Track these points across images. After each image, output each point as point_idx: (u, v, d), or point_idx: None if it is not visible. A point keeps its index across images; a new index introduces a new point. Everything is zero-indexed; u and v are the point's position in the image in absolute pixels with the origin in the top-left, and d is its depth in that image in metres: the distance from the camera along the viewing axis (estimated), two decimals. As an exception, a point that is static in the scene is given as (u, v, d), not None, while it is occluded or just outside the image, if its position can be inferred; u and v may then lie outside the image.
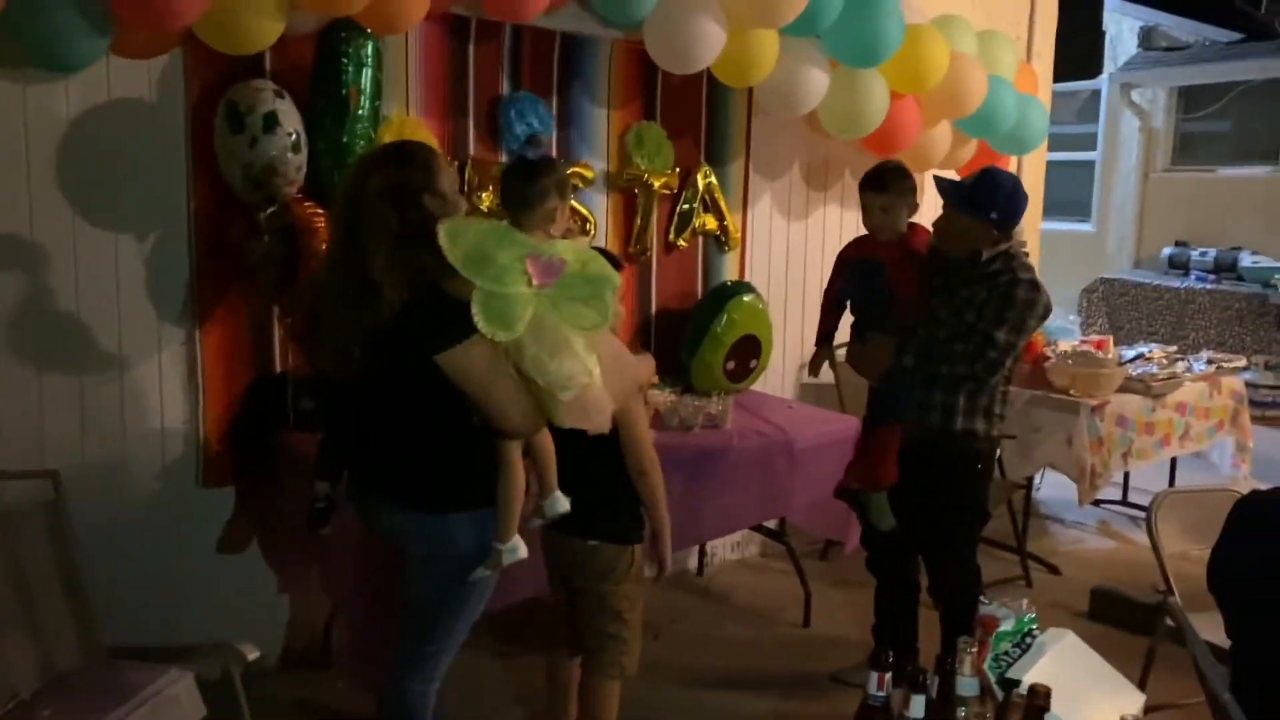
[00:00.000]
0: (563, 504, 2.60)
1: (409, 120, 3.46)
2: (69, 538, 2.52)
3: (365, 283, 2.22)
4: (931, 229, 3.24)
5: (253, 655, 2.40)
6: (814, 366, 3.74)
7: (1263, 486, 2.28)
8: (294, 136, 2.99)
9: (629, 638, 2.80)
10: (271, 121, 2.94)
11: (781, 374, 4.70)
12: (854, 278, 3.53)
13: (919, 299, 3.25)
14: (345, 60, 3.07)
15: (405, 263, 2.24)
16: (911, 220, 3.40)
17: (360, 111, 3.13)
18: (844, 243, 4.78)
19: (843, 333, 3.68)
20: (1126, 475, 5.51)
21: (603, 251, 2.69)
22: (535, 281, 2.23)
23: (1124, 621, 3.87)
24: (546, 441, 2.55)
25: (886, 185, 3.31)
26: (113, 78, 3.01)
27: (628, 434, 2.64)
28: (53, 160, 2.98)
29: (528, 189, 2.50)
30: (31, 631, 2.38)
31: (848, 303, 3.63)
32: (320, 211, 3.09)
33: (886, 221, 3.34)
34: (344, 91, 3.08)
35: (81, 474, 3.04)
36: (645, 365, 2.86)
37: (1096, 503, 5.29)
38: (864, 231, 3.51)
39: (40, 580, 2.43)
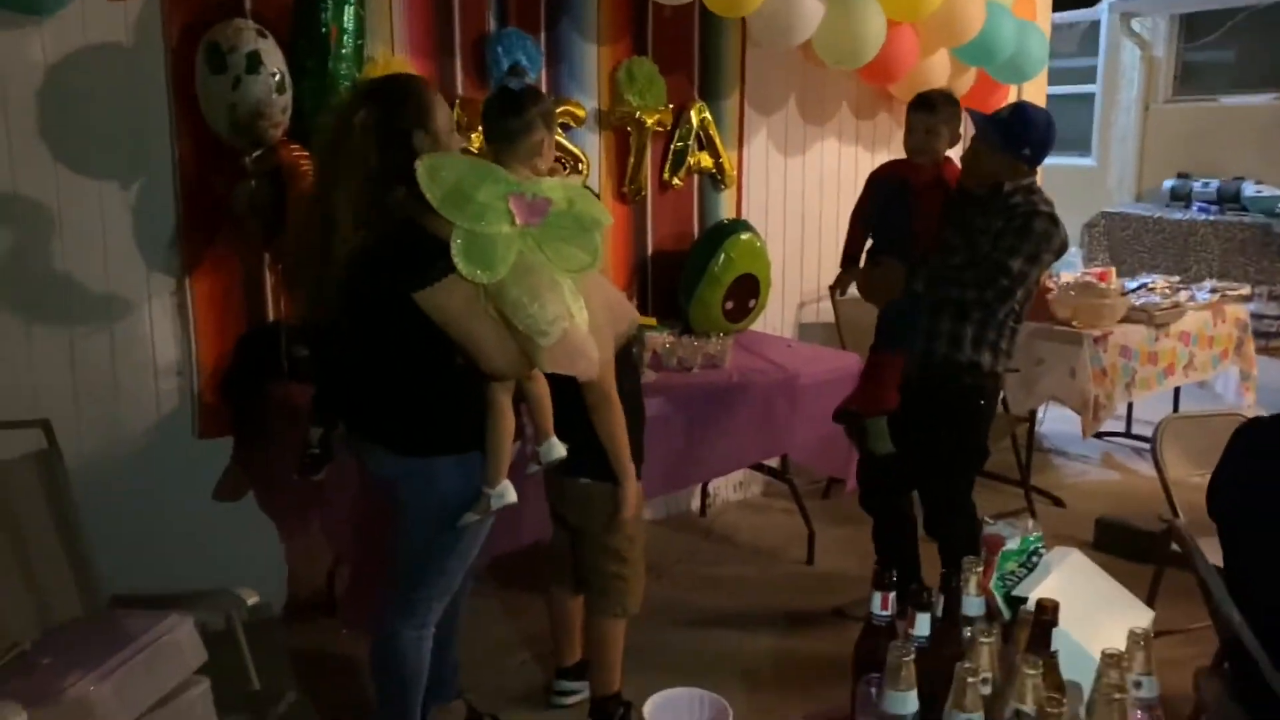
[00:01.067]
0: (559, 449, 2.55)
1: (394, 59, 3.37)
2: (64, 487, 2.49)
3: (326, 220, 2.17)
4: (960, 162, 3.22)
5: (253, 600, 2.38)
6: (841, 286, 3.70)
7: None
8: (278, 77, 2.93)
9: (630, 576, 2.78)
10: (254, 61, 2.87)
11: (781, 313, 4.65)
12: (880, 197, 3.52)
13: (938, 229, 3.21)
14: (325, -2, 2.99)
15: (374, 201, 2.18)
16: (948, 156, 3.39)
17: (343, 50, 3.05)
18: (842, 178, 4.75)
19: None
20: (1130, 407, 5.49)
21: None
22: (519, 220, 2.17)
23: (1129, 551, 3.86)
24: (541, 386, 2.51)
25: (935, 107, 3.33)
26: (88, 20, 2.94)
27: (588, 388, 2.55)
28: (31, 108, 2.92)
29: (511, 121, 2.41)
30: (29, 581, 2.37)
31: (873, 227, 3.61)
32: (306, 154, 3.02)
33: (928, 144, 3.34)
34: (324, 30, 3.00)
35: (75, 424, 3.02)
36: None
37: (1100, 435, 5.28)
38: (872, 164, 3.49)
39: (36, 530, 2.42)
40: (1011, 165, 3.03)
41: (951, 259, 3.09)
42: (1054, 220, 3.01)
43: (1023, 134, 3.01)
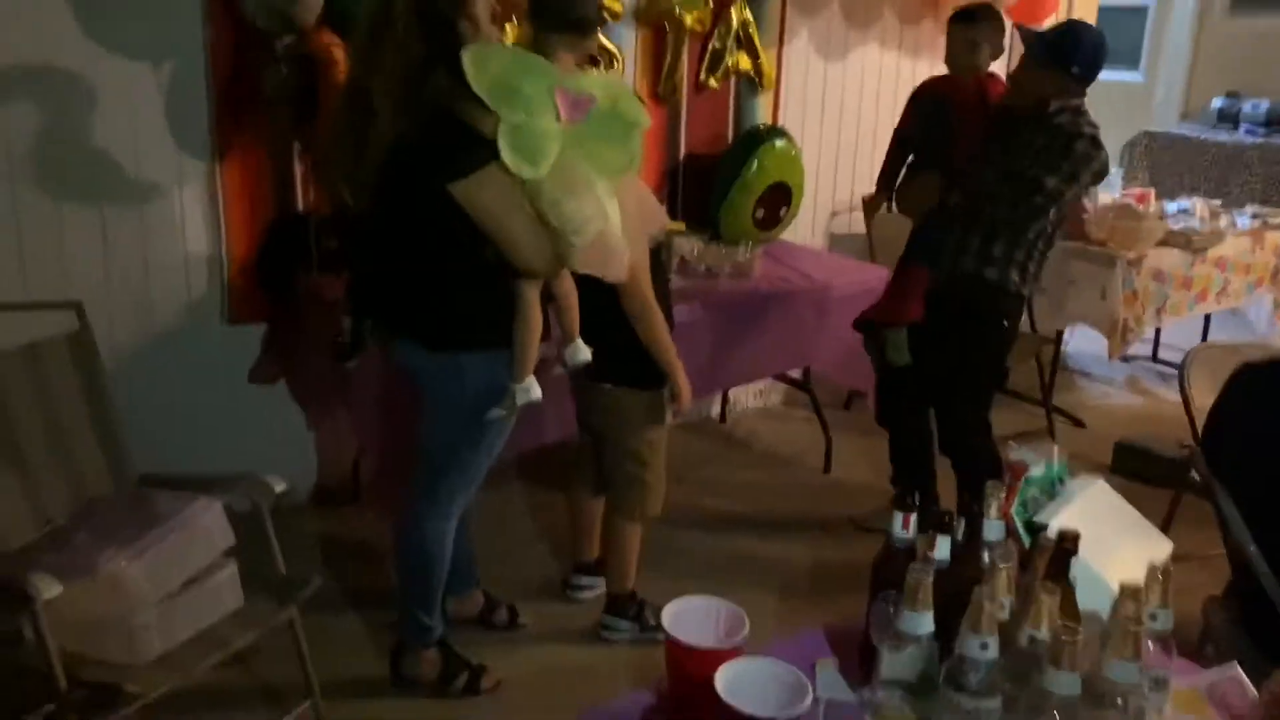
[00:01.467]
0: (584, 353, 2.57)
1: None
2: (95, 367, 2.52)
3: (364, 108, 2.15)
4: (1007, 80, 3.15)
5: (280, 488, 2.42)
6: (869, 208, 3.66)
7: (1301, 347, 2.25)
8: (314, -41, 2.86)
9: (651, 480, 2.82)
10: (291, -58, 2.81)
11: (811, 223, 4.60)
12: (920, 113, 3.47)
13: (979, 145, 3.16)
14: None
15: (413, 89, 2.15)
16: (992, 71, 3.32)
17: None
18: (882, 86, 4.64)
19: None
20: (1158, 333, 5.45)
21: None
22: (563, 116, 2.14)
23: (1146, 475, 3.87)
24: (569, 287, 2.51)
25: (976, 19, 3.27)
26: (120, -105, 2.87)
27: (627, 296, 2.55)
28: (62, -18, 2.87)
29: (576, 11, 2.36)
30: (62, 459, 2.41)
31: (913, 146, 3.56)
32: (340, 43, 2.97)
33: (969, 58, 3.28)
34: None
35: (106, 307, 3.05)
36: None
37: (1125, 358, 5.25)
38: (914, 73, 3.41)
39: (68, 409, 2.45)
40: (1059, 84, 2.96)
41: (988, 174, 3.04)
42: (1096, 143, 2.95)
43: (1072, 52, 2.94)
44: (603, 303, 2.53)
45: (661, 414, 2.78)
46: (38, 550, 2.23)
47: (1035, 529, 1.46)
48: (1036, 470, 1.57)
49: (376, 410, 3.00)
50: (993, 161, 3.04)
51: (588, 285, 2.43)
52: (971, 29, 3.25)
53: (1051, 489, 1.58)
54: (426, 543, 2.54)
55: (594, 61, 3.60)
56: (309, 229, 3.24)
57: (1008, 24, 3.48)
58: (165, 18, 3.02)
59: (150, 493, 2.44)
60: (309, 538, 3.39)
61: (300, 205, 3.33)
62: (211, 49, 3.08)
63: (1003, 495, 1.44)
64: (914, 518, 1.43)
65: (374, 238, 2.41)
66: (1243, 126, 8.23)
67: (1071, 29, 3.04)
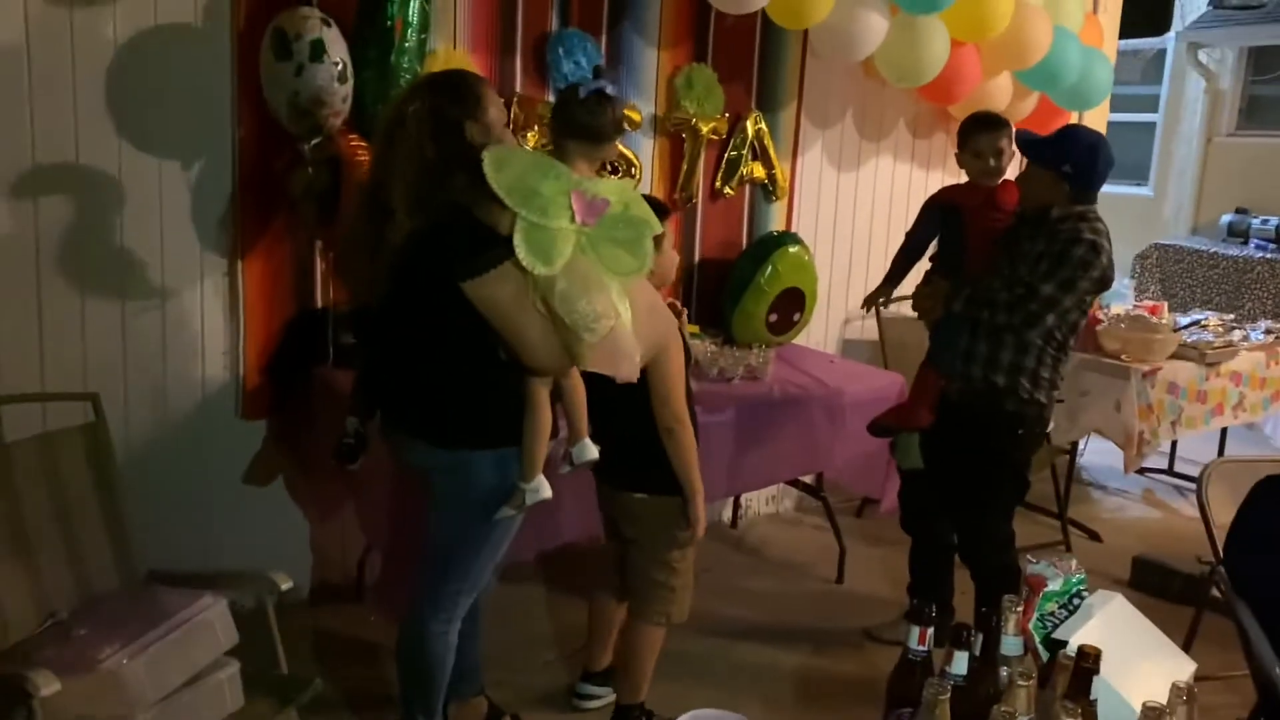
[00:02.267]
0: (591, 451, 2.57)
1: (455, 54, 3.40)
2: (108, 460, 2.52)
3: (382, 208, 2.19)
4: (1016, 185, 3.19)
5: (285, 584, 2.40)
6: (868, 300, 3.67)
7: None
8: (340, 66, 2.94)
9: (679, 586, 2.78)
10: (319, 49, 2.90)
11: (825, 328, 4.63)
12: (933, 220, 3.50)
13: (991, 253, 3.18)
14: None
15: (429, 189, 2.21)
16: (1006, 178, 3.35)
17: (406, 44, 3.07)
18: (894, 196, 4.72)
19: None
20: (1174, 445, 5.40)
21: (649, 198, 2.63)
22: (578, 218, 2.18)
23: (1166, 591, 3.80)
24: (578, 385, 2.52)
25: (999, 125, 3.28)
26: (159, 2, 2.98)
27: (656, 388, 2.55)
28: (100, 85, 2.96)
29: (596, 121, 2.42)
30: (70, 551, 2.40)
31: (922, 251, 3.58)
32: (364, 144, 3.05)
33: (991, 164, 3.28)
34: (389, 22, 3.02)
35: (123, 399, 3.07)
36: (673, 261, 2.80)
37: (1142, 471, 5.20)
38: (926, 184, 3.46)
39: (79, 501, 2.45)
40: (1056, 187, 2.97)
41: (992, 281, 3.06)
42: (1096, 249, 2.93)
43: (1064, 151, 2.96)
44: (637, 412, 2.54)
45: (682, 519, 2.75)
46: (39, 644, 2.20)
47: (1054, 645, 1.43)
48: (1055, 584, 1.54)
49: (384, 508, 2.98)
50: (999, 268, 3.07)
51: (613, 389, 2.44)
52: (994, 135, 3.26)
53: (1070, 604, 1.55)
54: (429, 645, 2.50)
55: (613, 169, 3.69)
56: (327, 324, 3.28)
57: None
58: (197, 118, 3.11)
59: (156, 589, 2.42)
60: (311, 635, 3.34)
61: (319, 302, 3.37)
62: (240, 148, 3.16)
63: (1020, 610, 1.42)
64: (930, 632, 1.40)
65: (386, 334, 2.43)
66: (1253, 241, 8.32)
67: (1065, 130, 3.07)
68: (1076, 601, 1.55)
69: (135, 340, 3.14)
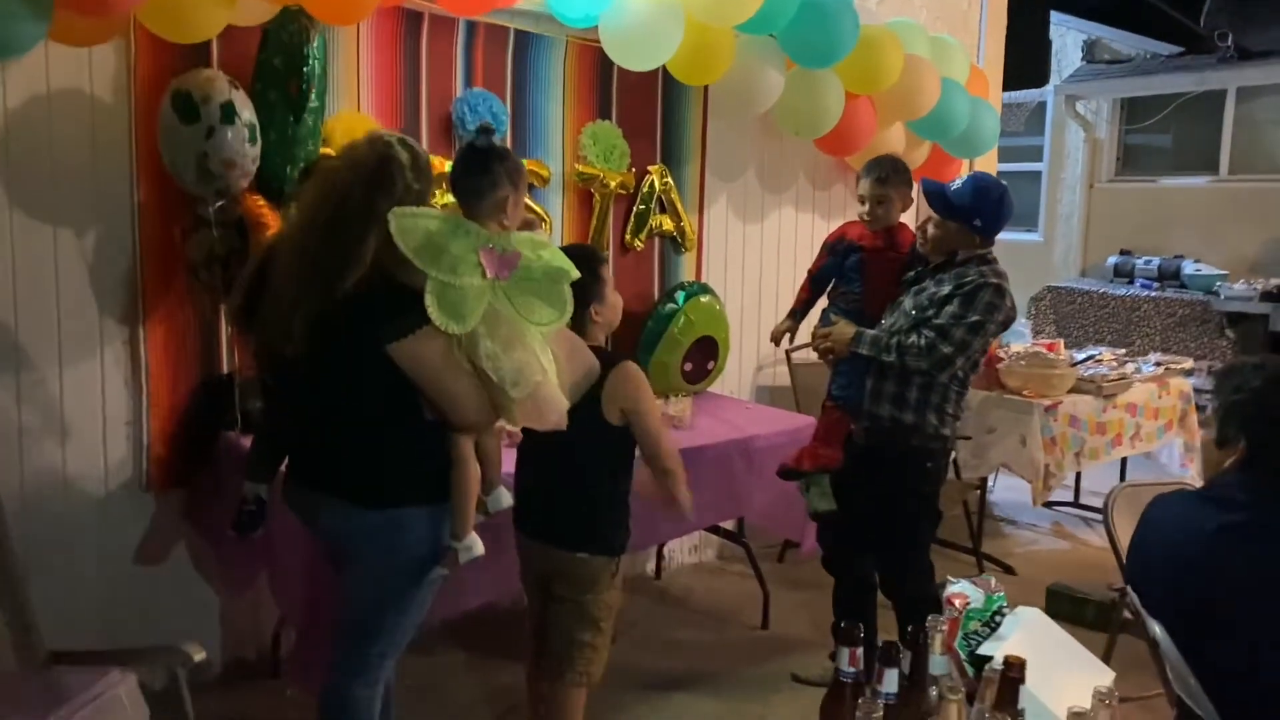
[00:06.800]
0: (506, 499, 2.57)
1: (359, 116, 3.40)
2: (3, 537, 2.41)
3: (324, 260, 2.16)
4: (917, 231, 3.26)
5: (199, 656, 2.31)
6: (775, 334, 3.71)
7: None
8: (250, 128, 2.92)
9: (600, 646, 2.73)
10: (230, 112, 2.87)
11: (739, 375, 4.69)
12: (832, 260, 3.55)
13: (889, 293, 3.26)
14: (290, 52, 3.00)
15: (354, 250, 2.19)
16: (902, 220, 3.43)
17: (310, 105, 3.06)
18: (799, 245, 4.83)
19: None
20: (1078, 478, 5.58)
21: (583, 246, 2.66)
22: (489, 273, 2.19)
23: (1079, 618, 3.89)
24: (496, 438, 2.50)
25: (884, 177, 3.33)
26: (51, 66, 2.92)
27: (644, 444, 2.59)
28: (-11, 151, 2.88)
29: (478, 179, 2.41)
30: (-36, 635, 2.28)
31: (825, 286, 3.63)
32: (266, 205, 3.02)
33: (879, 212, 3.34)
34: (301, 83, 3.00)
35: (19, 474, 2.94)
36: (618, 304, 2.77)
37: (1049, 504, 5.34)
38: (828, 231, 3.53)
39: (-26, 583, 2.33)
40: (965, 236, 3.10)
41: (898, 323, 3.14)
42: (1001, 292, 3.05)
43: (976, 205, 3.08)
44: (580, 469, 2.54)
45: (619, 578, 2.73)
46: (-69, 735, 2.08)
47: (980, 661, 1.46)
48: (976, 602, 1.57)
49: (298, 575, 2.89)
50: (903, 312, 3.15)
51: (547, 446, 2.42)
52: (881, 187, 3.32)
53: (992, 621, 1.58)
54: (354, 710, 2.41)
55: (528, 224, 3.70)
56: (233, 390, 3.20)
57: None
58: (95, 181, 3.04)
59: (59, 670, 2.30)
60: (224, 714, 3.20)
61: (225, 367, 3.29)
62: (140, 213, 3.09)
63: (945, 629, 1.44)
64: (860, 652, 1.41)
65: (302, 395, 2.38)
66: (1138, 281, 8.72)
67: (975, 184, 3.14)
68: (998, 619, 1.58)
69: (32, 413, 3.02)
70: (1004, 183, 3.25)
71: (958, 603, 1.58)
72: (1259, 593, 1.97)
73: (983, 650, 1.49)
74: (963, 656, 1.52)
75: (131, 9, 2.61)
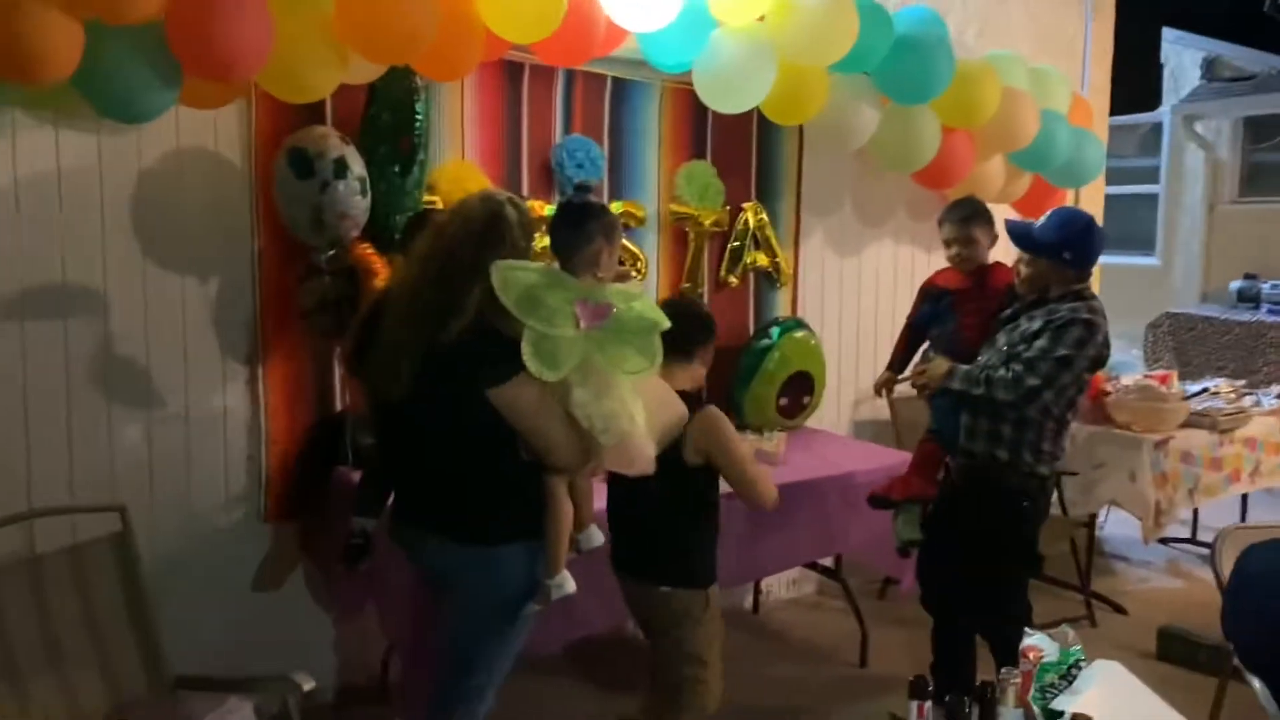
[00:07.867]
0: (597, 538, 2.68)
1: (464, 165, 3.54)
2: (136, 569, 2.60)
3: (432, 309, 2.28)
4: (1013, 268, 3.27)
5: (308, 686, 2.44)
6: (876, 385, 3.73)
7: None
8: (361, 181, 3.09)
9: (708, 678, 2.79)
10: (342, 167, 3.04)
11: (836, 410, 4.68)
12: (927, 306, 3.59)
13: (984, 331, 3.27)
14: (399, 109, 3.16)
15: (460, 300, 2.30)
16: (997, 260, 3.44)
17: (417, 158, 3.22)
18: (898, 279, 4.81)
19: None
20: (1196, 513, 5.37)
21: (698, 311, 2.79)
22: (583, 324, 2.29)
23: (1192, 662, 3.76)
24: (588, 479, 2.61)
25: (967, 218, 3.38)
26: (181, 127, 3.14)
27: (732, 481, 2.71)
28: (125, 207, 3.11)
29: (574, 234, 2.52)
30: (100, 660, 2.46)
31: (923, 334, 3.66)
32: (375, 253, 3.17)
33: (965, 253, 3.39)
34: (398, 140, 3.16)
35: (149, 506, 3.15)
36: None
37: (1164, 541, 5.18)
38: (927, 265, 3.55)
39: (108, 610, 2.51)
40: (1056, 271, 3.08)
41: (990, 359, 3.13)
42: (1092, 328, 3.01)
43: (1062, 239, 3.06)
44: (647, 500, 2.62)
45: (716, 609, 2.81)
46: (68, 753, 2.25)
47: (1053, 716, 1.46)
48: (1051, 655, 1.57)
49: (404, 607, 3.01)
50: (996, 348, 3.14)
51: (631, 483, 2.51)
52: (965, 226, 3.37)
53: (1069, 674, 1.58)
54: (455, 745, 2.52)
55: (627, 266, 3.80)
56: (345, 427, 3.36)
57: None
58: (218, 232, 3.25)
59: (183, 695, 2.46)
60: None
61: (338, 406, 3.46)
62: (261, 261, 3.29)
63: (1018, 681, 1.45)
64: (929, 705, 1.43)
65: (406, 438, 2.50)
66: (1264, 306, 8.35)
67: (1059, 218, 3.13)
68: (1075, 672, 1.58)
69: (161, 449, 3.23)
70: (1088, 213, 3.21)
71: (1031, 655, 1.58)
72: None
73: (1056, 704, 1.50)
74: (1037, 711, 1.52)
75: (252, 74, 2.79)
